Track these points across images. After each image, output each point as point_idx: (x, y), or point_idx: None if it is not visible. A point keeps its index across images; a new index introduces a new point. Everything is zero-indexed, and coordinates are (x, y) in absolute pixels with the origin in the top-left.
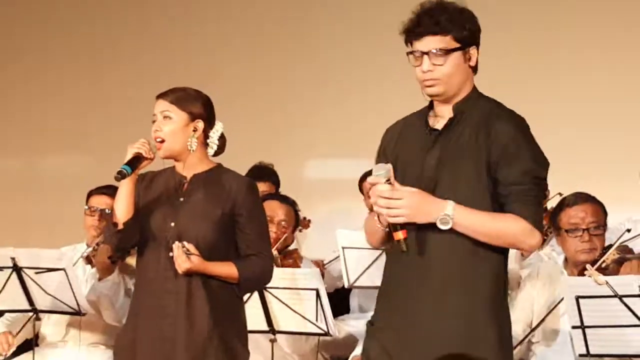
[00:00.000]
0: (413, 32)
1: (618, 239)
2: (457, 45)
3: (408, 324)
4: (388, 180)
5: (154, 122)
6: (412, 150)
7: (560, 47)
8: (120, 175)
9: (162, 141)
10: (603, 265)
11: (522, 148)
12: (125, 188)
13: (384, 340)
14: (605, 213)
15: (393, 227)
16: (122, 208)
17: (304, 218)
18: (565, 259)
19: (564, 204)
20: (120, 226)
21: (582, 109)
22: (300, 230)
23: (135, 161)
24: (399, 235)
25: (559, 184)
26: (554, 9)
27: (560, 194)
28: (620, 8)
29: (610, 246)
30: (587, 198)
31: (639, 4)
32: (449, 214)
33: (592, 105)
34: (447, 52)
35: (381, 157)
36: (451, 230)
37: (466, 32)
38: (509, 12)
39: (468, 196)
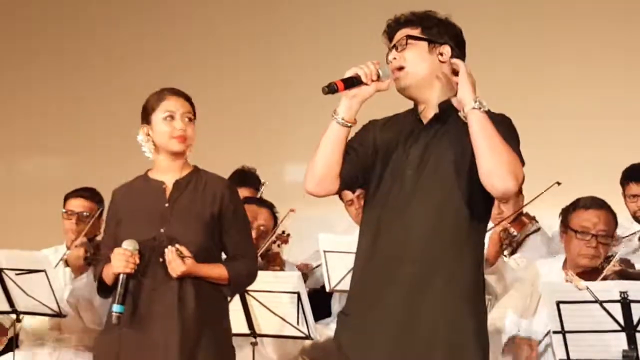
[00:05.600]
0: (389, 29)
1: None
2: (424, 36)
3: (383, 315)
4: (379, 77)
5: (171, 117)
6: (397, 137)
7: (554, 61)
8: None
9: (185, 140)
10: (603, 275)
11: (511, 138)
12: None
13: (357, 329)
14: (616, 224)
15: (347, 80)
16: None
17: (283, 232)
18: (564, 263)
19: (578, 204)
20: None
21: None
22: (278, 246)
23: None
24: (341, 84)
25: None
26: (549, 24)
27: (559, 183)
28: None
29: (611, 256)
30: (603, 205)
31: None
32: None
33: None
34: (411, 37)
35: (363, 131)
36: (435, 213)
37: (438, 30)
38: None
39: (452, 181)
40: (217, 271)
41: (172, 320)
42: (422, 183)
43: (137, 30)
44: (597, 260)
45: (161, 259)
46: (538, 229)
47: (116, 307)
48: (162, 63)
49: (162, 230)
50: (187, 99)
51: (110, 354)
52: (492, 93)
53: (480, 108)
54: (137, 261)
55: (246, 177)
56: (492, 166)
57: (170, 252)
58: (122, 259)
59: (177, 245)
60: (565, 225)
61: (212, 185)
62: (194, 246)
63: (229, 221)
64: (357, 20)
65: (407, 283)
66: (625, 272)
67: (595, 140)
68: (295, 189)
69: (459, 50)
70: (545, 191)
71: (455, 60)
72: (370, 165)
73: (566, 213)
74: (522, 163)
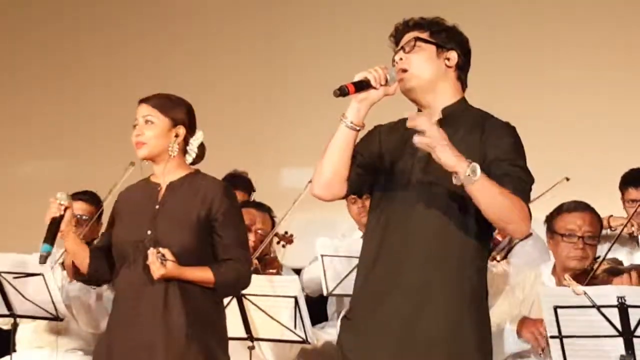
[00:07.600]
0: (397, 32)
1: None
2: (433, 40)
3: (386, 318)
4: (386, 82)
5: (135, 126)
6: (402, 143)
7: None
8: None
9: (142, 145)
10: (594, 275)
11: (516, 149)
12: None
13: (360, 333)
14: (601, 225)
15: (357, 84)
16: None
17: (286, 233)
18: (554, 268)
19: (562, 208)
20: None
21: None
22: (283, 246)
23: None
24: (352, 87)
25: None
26: (542, 30)
27: (567, 179)
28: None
29: (599, 257)
30: (586, 207)
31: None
32: (477, 167)
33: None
34: (419, 40)
35: (369, 136)
36: (440, 219)
37: (446, 35)
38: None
39: (457, 191)
40: (202, 275)
41: (158, 321)
42: (427, 189)
43: (137, 30)
44: (586, 261)
45: (147, 261)
46: (529, 235)
47: (42, 247)
48: (162, 63)
49: (148, 232)
50: (151, 102)
51: (103, 354)
52: (492, 94)
53: (474, 177)
54: (66, 205)
55: (237, 180)
56: (503, 223)
57: (151, 254)
58: (50, 206)
59: (159, 248)
60: (551, 231)
61: (205, 188)
62: (177, 248)
63: (219, 224)
64: (357, 21)
65: (411, 287)
66: (615, 269)
67: (597, 141)
68: (291, 193)
69: (465, 59)
70: (553, 187)
71: (412, 119)
72: (376, 170)
73: (550, 219)
74: (532, 179)
